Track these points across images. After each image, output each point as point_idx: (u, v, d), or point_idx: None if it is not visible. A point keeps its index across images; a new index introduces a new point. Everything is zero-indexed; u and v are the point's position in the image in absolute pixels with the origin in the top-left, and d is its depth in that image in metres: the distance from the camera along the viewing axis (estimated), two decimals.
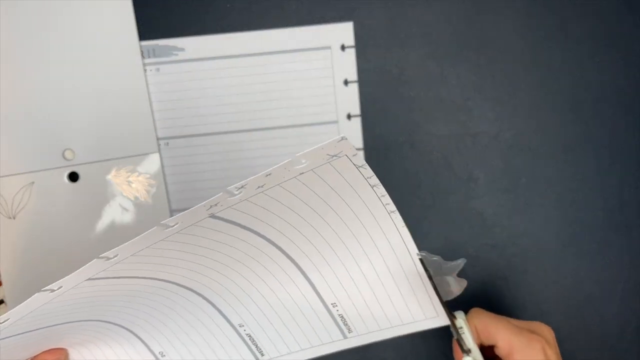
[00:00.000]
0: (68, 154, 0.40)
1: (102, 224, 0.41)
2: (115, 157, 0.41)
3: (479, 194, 0.44)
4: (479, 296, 0.44)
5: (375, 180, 0.28)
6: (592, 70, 0.43)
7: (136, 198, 0.41)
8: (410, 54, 0.43)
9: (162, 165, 0.42)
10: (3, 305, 0.42)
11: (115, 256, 0.26)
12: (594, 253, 0.44)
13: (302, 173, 0.26)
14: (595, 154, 0.43)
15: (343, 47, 0.42)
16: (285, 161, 0.24)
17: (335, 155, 0.25)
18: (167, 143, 0.42)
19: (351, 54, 0.42)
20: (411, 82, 0.43)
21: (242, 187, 0.25)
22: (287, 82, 0.42)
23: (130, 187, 0.41)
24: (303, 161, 0.25)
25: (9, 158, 0.40)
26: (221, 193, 0.25)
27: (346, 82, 0.43)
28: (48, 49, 0.40)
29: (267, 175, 0.25)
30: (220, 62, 0.42)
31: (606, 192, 0.44)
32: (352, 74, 0.43)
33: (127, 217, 0.41)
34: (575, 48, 0.43)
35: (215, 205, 0.26)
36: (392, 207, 0.30)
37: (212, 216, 0.27)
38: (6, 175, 0.40)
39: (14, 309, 0.26)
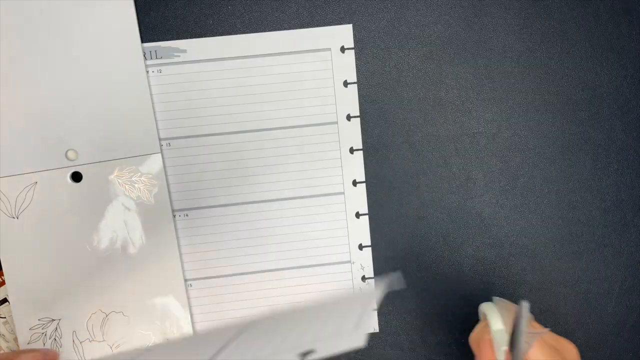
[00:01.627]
0: (71, 154, 0.41)
1: (105, 223, 0.41)
2: (118, 157, 0.41)
3: (478, 194, 0.44)
4: (478, 296, 0.45)
5: None
6: (589, 71, 0.43)
7: (138, 198, 0.41)
8: (409, 56, 0.43)
9: (165, 166, 0.42)
10: (6, 304, 0.42)
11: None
12: (591, 252, 0.44)
13: None
14: (592, 154, 0.44)
15: (343, 49, 0.43)
16: None
17: None
18: (169, 144, 0.42)
19: (351, 55, 0.43)
20: (410, 83, 0.43)
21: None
22: (287, 83, 0.42)
23: (132, 187, 0.41)
24: None
25: (12, 158, 0.40)
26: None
27: (346, 84, 0.43)
28: (51, 50, 0.40)
29: None
30: (222, 64, 0.42)
31: (603, 192, 0.44)
32: (352, 75, 0.43)
33: (130, 217, 0.41)
34: (572, 49, 0.43)
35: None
36: None
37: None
38: (9, 175, 0.40)
39: None
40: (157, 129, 0.42)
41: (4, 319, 0.42)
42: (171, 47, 0.42)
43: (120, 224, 0.41)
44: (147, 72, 0.41)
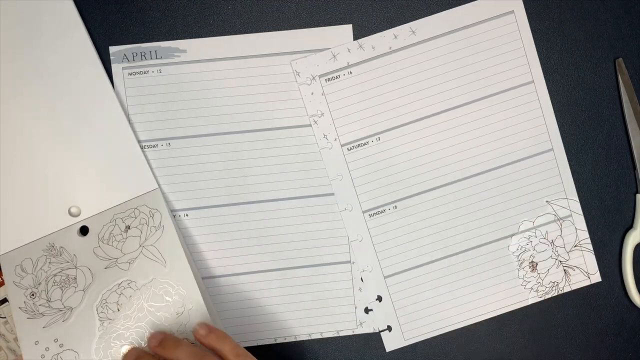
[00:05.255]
0: (74, 210, 0.41)
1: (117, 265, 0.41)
2: (117, 203, 0.41)
3: None
4: None
5: None
6: (589, 71, 0.43)
7: (145, 236, 0.41)
8: None
9: (164, 166, 0.42)
10: (6, 304, 0.42)
11: None
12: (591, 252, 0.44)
13: None
14: (592, 155, 0.44)
15: None
16: None
17: None
18: (169, 143, 0.42)
19: None
20: None
21: None
22: (287, 83, 0.42)
23: (137, 227, 0.41)
24: None
25: (18, 228, 0.40)
26: None
27: None
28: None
29: None
30: (222, 64, 0.42)
31: (603, 192, 0.44)
32: None
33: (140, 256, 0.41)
34: (572, 49, 0.43)
35: None
36: None
37: None
38: (11, 250, 0.41)
39: None
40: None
41: (4, 319, 0.42)
42: (171, 47, 0.42)
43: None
44: (147, 72, 0.42)
